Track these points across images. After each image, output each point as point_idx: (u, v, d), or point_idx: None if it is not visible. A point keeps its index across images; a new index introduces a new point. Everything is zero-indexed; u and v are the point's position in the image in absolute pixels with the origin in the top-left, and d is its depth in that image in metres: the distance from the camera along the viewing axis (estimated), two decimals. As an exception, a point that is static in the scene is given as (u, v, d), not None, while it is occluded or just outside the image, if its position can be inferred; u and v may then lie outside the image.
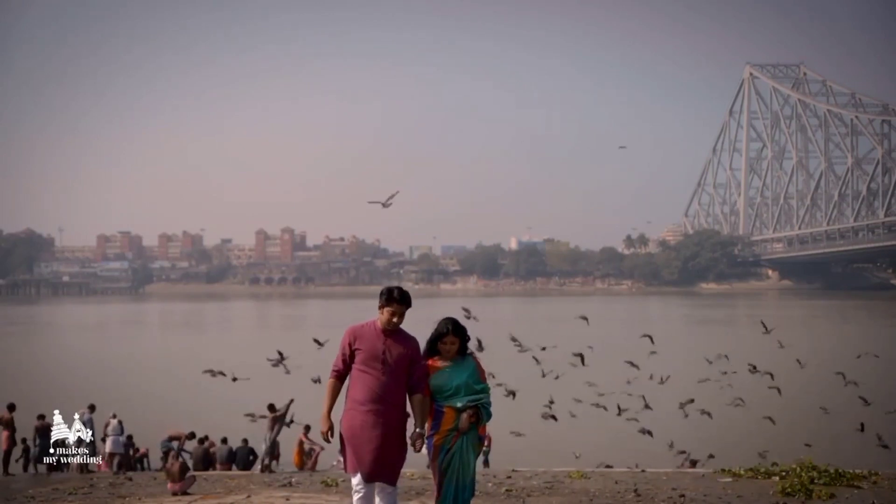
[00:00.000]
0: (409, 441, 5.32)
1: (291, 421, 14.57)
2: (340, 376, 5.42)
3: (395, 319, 5.33)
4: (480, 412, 5.39)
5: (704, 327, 57.44)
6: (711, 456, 14.74)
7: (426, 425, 5.38)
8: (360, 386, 5.29)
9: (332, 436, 5.33)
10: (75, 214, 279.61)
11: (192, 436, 15.54)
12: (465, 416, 5.31)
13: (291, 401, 14.51)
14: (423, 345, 5.52)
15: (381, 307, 5.36)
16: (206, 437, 15.54)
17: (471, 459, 5.40)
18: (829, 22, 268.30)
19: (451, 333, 5.37)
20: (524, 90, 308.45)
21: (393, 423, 5.25)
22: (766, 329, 18.51)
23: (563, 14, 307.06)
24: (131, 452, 15.47)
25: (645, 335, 18.43)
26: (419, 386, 5.36)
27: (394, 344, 5.33)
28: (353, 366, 5.35)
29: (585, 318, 18.35)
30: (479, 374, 5.44)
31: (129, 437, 15.50)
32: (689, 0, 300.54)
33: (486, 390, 5.46)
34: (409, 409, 5.43)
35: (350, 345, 5.37)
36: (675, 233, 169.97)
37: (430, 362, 5.40)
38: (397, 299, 5.34)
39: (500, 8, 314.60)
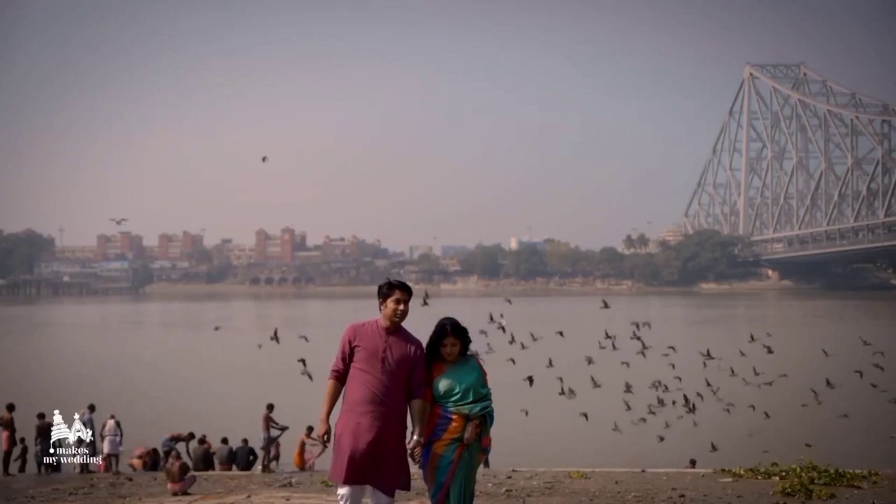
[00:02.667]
0: (407, 449, 5.04)
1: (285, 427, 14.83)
2: (340, 377, 5.14)
3: (401, 307, 5.08)
4: (486, 421, 5.14)
5: (708, 327, 57.43)
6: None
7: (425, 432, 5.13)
8: (358, 386, 5.03)
9: (328, 439, 5.08)
10: (75, 214, 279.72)
11: (191, 436, 15.57)
12: (471, 426, 5.03)
13: (286, 428, 14.84)
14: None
15: (384, 300, 5.12)
16: (204, 438, 15.53)
17: (474, 471, 5.16)
18: (829, 22, 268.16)
19: (451, 334, 5.10)
20: (524, 90, 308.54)
21: (391, 428, 4.98)
22: (827, 353, 18.49)
23: (563, 15, 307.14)
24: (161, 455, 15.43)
25: (759, 337, 18.18)
26: (419, 390, 5.08)
27: (396, 344, 5.08)
28: (352, 365, 5.09)
29: (606, 305, 18.51)
30: (483, 378, 5.18)
31: (155, 450, 15.46)
32: (690, 0, 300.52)
33: (489, 394, 5.20)
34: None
35: (350, 342, 5.11)
36: (675, 233, 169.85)
37: (433, 365, 5.14)
38: (398, 285, 5.14)
39: (501, 8, 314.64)
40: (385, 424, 4.97)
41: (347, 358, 5.11)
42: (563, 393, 15.76)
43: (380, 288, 5.20)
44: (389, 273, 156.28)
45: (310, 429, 15.18)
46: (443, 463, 5.02)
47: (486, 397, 5.14)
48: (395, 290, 5.11)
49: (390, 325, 5.11)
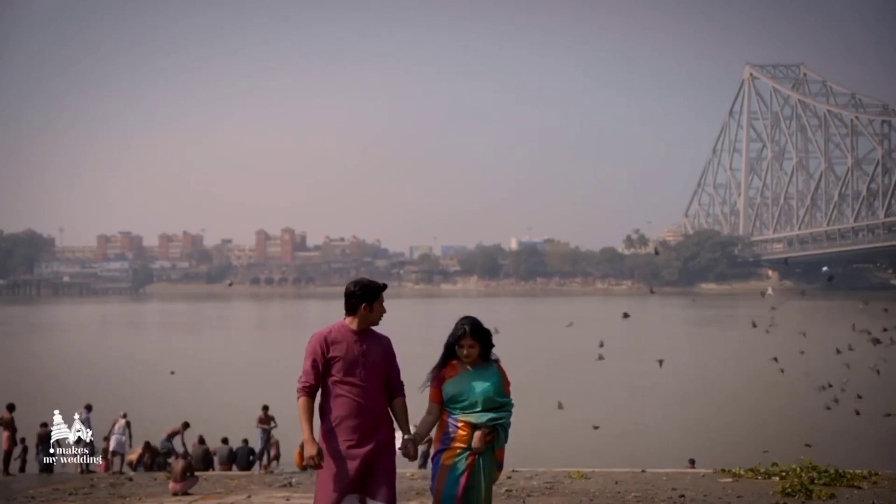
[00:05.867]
0: (400, 451, 4.69)
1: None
2: (312, 392, 4.71)
3: (385, 309, 4.83)
4: (499, 432, 4.69)
5: (710, 328, 57.40)
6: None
7: (432, 435, 4.78)
8: (342, 399, 4.64)
9: (322, 460, 4.62)
10: (75, 214, 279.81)
11: (186, 426, 15.59)
12: (478, 434, 4.61)
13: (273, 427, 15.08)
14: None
15: (369, 304, 4.73)
16: (203, 438, 15.48)
17: (485, 484, 4.65)
18: (829, 22, 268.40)
19: (469, 336, 4.67)
20: (524, 90, 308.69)
21: (382, 438, 4.68)
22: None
23: (563, 15, 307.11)
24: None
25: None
26: (399, 388, 4.80)
27: (372, 345, 4.74)
28: (329, 378, 4.68)
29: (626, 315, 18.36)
30: (502, 385, 4.72)
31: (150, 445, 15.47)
32: (689, 0, 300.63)
33: (508, 405, 4.74)
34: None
35: (323, 354, 4.67)
36: (675, 233, 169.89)
37: (447, 368, 4.74)
38: (384, 286, 4.83)
39: (501, 8, 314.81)
40: (376, 436, 4.66)
41: (321, 371, 4.70)
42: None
43: (353, 292, 4.76)
44: (389, 273, 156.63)
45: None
46: (453, 475, 4.60)
47: (501, 407, 4.71)
48: (381, 292, 4.80)
49: (363, 327, 4.77)
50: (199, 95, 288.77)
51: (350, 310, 4.78)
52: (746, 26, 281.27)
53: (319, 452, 4.62)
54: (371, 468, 4.62)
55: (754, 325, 18.58)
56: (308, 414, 4.68)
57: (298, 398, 4.70)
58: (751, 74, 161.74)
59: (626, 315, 19.35)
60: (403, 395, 4.83)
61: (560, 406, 15.88)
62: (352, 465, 4.59)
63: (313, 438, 4.64)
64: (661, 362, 17.73)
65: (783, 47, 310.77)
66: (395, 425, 4.81)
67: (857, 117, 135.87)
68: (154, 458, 15.11)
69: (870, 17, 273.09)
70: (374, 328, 4.85)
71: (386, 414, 4.77)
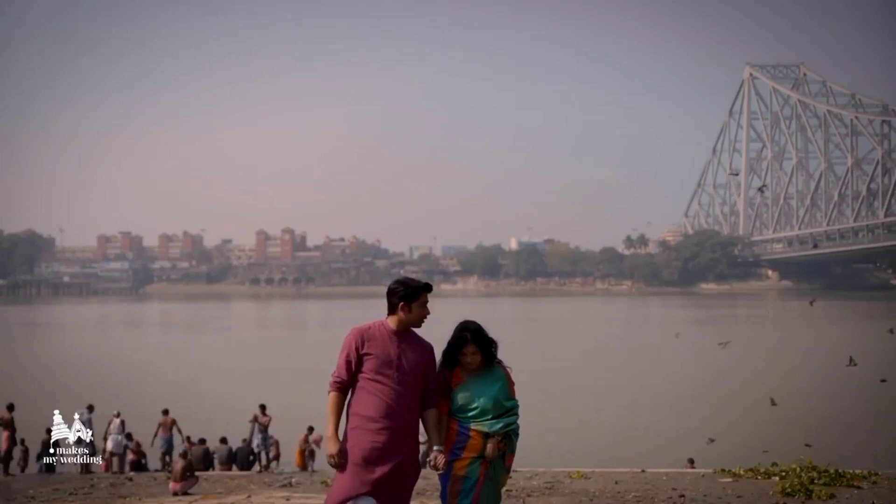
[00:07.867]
0: (428, 462, 4.54)
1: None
2: (344, 388, 4.56)
3: (427, 312, 4.63)
4: (511, 438, 4.59)
5: (712, 327, 57.39)
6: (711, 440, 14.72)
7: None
8: (372, 398, 4.48)
9: (343, 459, 4.46)
10: (75, 214, 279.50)
11: (166, 412, 15.58)
12: (492, 442, 4.49)
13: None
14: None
15: (406, 304, 4.56)
16: (190, 439, 15.41)
17: (499, 493, 4.64)
18: (829, 22, 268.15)
19: (472, 342, 4.53)
20: (524, 90, 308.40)
21: (408, 444, 4.51)
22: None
23: (563, 15, 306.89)
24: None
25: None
26: (433, 399, 4.60)
27: (409, 348, 4.56)
28: (361, 374, 4.53)
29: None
30: (508, 388, 4.61)
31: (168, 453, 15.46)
32: (690, 0, 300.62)
33: (515, 408, 4.64)
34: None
35: (358, 349, 4.52)
36: (675, 233, 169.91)
37: (452, 373, 4.61)
38: (425, 287, 4.61)
39: (501, 8, 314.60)
40: (403, 441, 4.49)
41: (354, 366, 4.55)
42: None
43: (395, 291, 4.60)
44: (389, 273, 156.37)
45: (310, 429, 15.20)
46: (467, 484, 4.49)
47: (510, 411, 4.60)
48: (422, 293, 4.59)
49: (403, 328, 4.60)
50: (199, 95, 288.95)
51: (391, 309, 4.64)
52: (746, 26, 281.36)
53: (341, 452, 4.48)
54: (391, 475, 4.46)
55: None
56: (336, 411, 4.54)
57: (329, 392, 4.58)
58: (751, 74, 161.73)
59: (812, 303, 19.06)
60: (436, 407, 4.64)
61: (773, 402, 15.54)
62: (372, 467, 4.44)
63: (336, 437, 4.49)
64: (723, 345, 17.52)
65: (783, 47, 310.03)
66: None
67: (856, 117, 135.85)
68: (142, 454, 15.11)
69: (870, 17, 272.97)
70: (417, 333, 4.68)
71: (415, 422, 4.58)
